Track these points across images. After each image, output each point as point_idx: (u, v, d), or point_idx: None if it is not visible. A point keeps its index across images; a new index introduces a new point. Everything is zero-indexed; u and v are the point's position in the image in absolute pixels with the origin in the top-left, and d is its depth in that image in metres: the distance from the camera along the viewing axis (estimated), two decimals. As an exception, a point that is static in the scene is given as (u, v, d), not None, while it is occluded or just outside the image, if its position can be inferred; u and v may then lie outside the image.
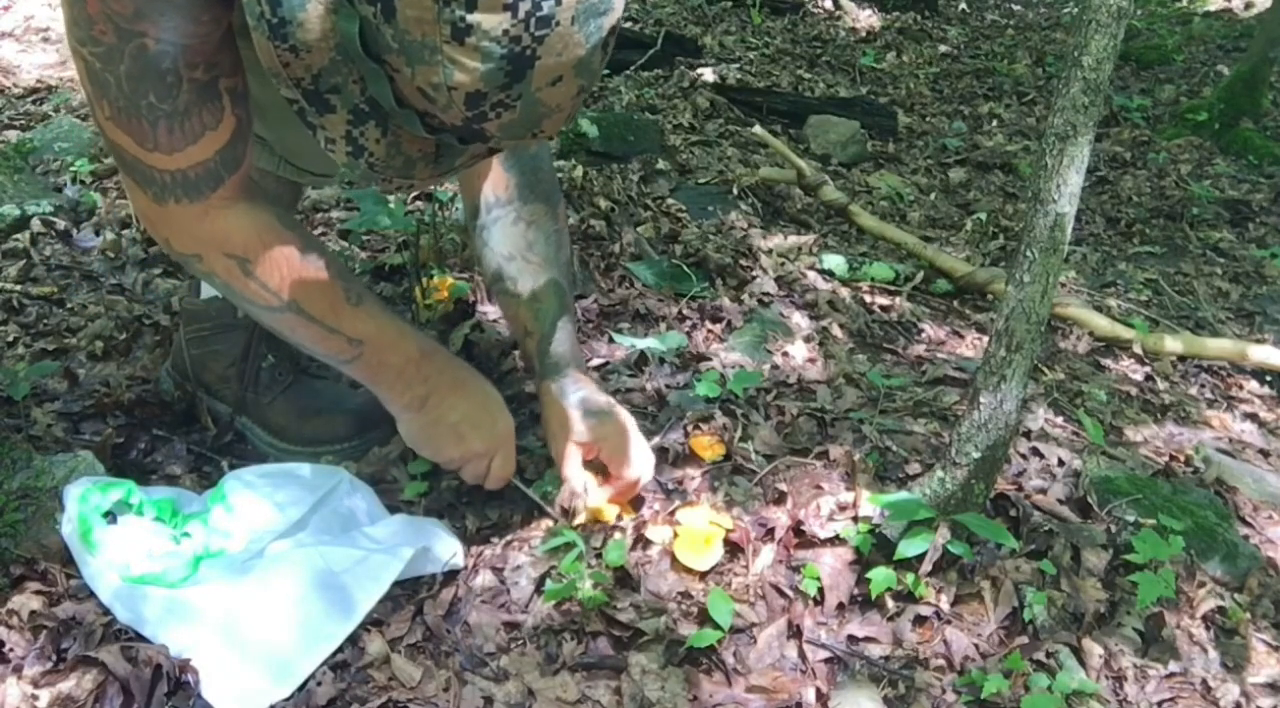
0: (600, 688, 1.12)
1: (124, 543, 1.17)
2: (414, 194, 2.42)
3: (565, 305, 1.39)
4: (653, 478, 1.37)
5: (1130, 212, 3.47)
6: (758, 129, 3.17)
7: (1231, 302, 2.87)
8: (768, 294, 2.13)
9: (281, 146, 1.36)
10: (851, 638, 1.22)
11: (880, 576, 1.24)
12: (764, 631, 1.21)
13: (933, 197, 3.41)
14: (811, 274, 2.32)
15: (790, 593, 1.26)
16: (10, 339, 1.73)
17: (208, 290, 1.50)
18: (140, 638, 1.10)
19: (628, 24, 4.68)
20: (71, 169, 2.40)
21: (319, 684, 1.08)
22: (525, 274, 1.36)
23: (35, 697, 1.02)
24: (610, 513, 1.31)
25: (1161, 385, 2.16)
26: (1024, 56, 5.33)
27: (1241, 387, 2.24)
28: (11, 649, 1.07)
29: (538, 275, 1.37)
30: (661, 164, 2.94)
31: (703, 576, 1.27)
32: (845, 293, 2.26)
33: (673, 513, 1.34)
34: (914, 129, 4.08)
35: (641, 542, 1.31)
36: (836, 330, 2.03)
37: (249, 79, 1.29)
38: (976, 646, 1.23)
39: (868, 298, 2.29)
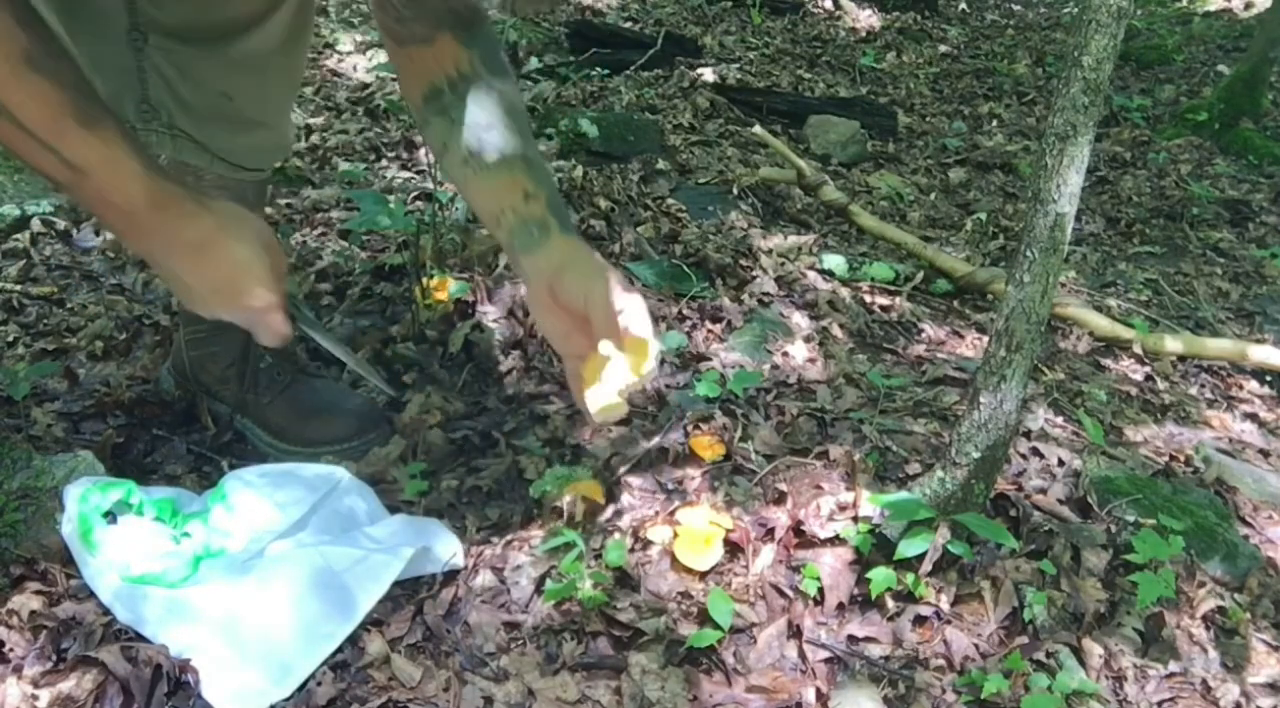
0: (600, 688, 1.12)
1: (124, 543, 1.17)
2: (414, 196, 2.42)
3: (552, 175, 1.26)
4: (652, 475, 1.35)
5: (1130, 212, 3.47)
6: (758, 129, 3.17)
7: (1231, 302, 2.87)
8: (768, 294, 2.13)
9: (214, 144, 1.35)
10: (851, 638, 1.22)
11: (880, 576, 1.24)
12: (764, 631, 1.21)
13: (933, 197, 3.41)
14: (811, 274, 2.32)
15: (790, 593, 1.26)
16: (10, 339, 1.73)
17: None
18: (140, 638, 1.10)
19: (627, 24, 4.69)
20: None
21: (319, 684, 1.08)
22: (510, 140, 1.22)
23: (35, 697, 1.02)
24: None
25: (1161, 385, 2.16)
26: (1024, 56, 5.33)
27: (1241, 387, 2.24)
28: (11, 649, 1.07)
29: (523, 139, 1.23)
30: (661, 164, 2.95)
31: (703, 576, 1.27)
32: (845, 293, 2.26)
33: (673, 513, 1.34)
34: (914, 129, 4.08)
35: (641, 542, 1.31)
36: (836, 330, 2.03)
37: (182, 83, 1.29)
38: (976, 646, 1.23)
39: (868, 298, 2.29)
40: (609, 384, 1.08)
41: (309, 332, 1.25)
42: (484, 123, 1.21)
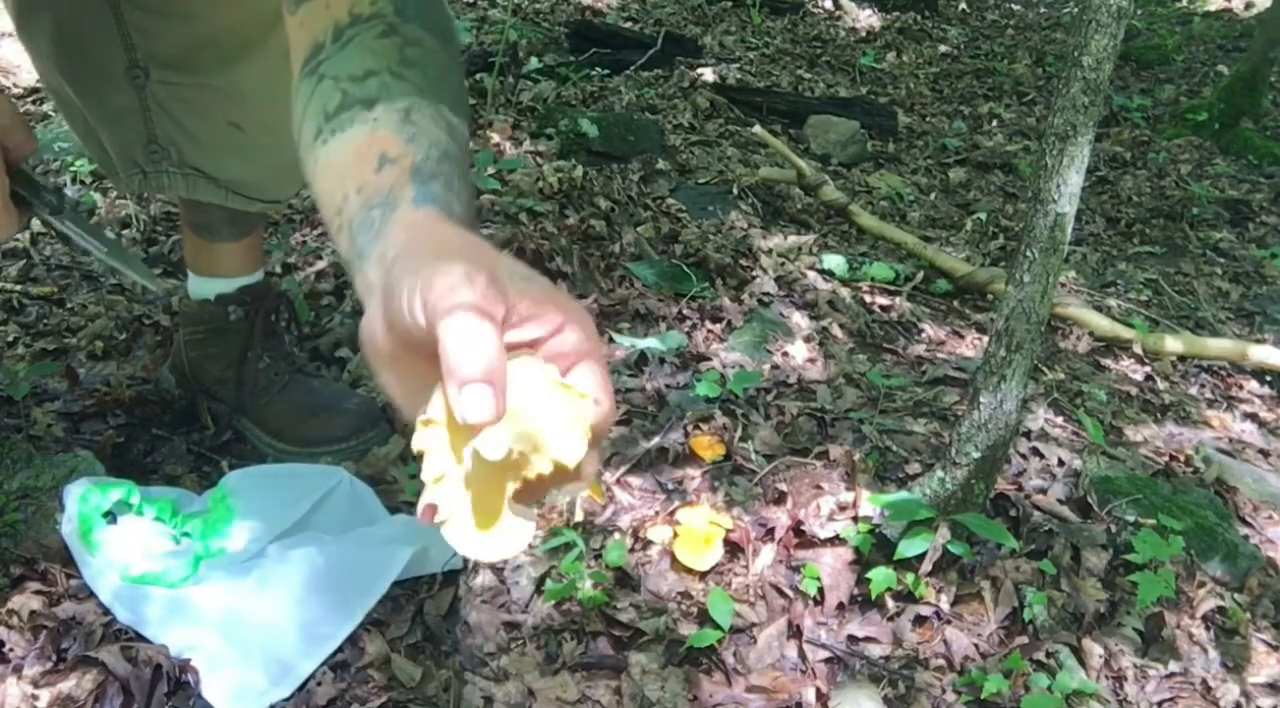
0: (600, 688, 1.12)
1: (124, 543, 1.17)
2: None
3: (456, 149, 0.75)
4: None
5: (1130, 212, 3.46)
6: (758, 129, 3.17)
7: (1231, 302, 2.87)
8: (768, 294, 2.13)
9: (226, 178, 1.34)
10: (851, 638, 1.22)
11: (880, 576, 1.24)
12: (764, 631, 1.21)
13: (933, 196, 3.41)
14: (811, 274, 2.32)
15: (790, 593, 1.26)
16: (10, 339, 1.73)
17: (198, 292, 1.50)
18: (140, 638, 1.10)
19: (627, 24, 4.68)
20: (71, 169, 2.40)
21: (319, 684, 1.08)
22: (392, 88, 0.77)
23: (35, 697, 1.02)
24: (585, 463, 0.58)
25: (1161, 385, 2.16)
26: (1024, 56, 5.33)
27: (1241, 387, 2.24)
28: (11, 649, 1.07)
29: (417, 97, 0.77)
30: (661, 164, 2.95)
31: (703, 576, 1.27)
32: (845, 293, 2.26)
33: (673, 513, 1.34)
34: (914, 129, 4.07)
35: (641, 542, 1.31)
36: (836, 330, 2.03)
37: (189, 116, 1.25)
38: (976, 646, 1.23)
39: (868, 298, 2.29)
40: (458, 492, 0.55)
41: (49, 221, 0.98)
42: (359, 71, 0.78)
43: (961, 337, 2.20)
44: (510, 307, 0.55)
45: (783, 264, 2.32)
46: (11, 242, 2.06)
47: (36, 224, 2.11)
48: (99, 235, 1.01)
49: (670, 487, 1.41)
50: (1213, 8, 6.61)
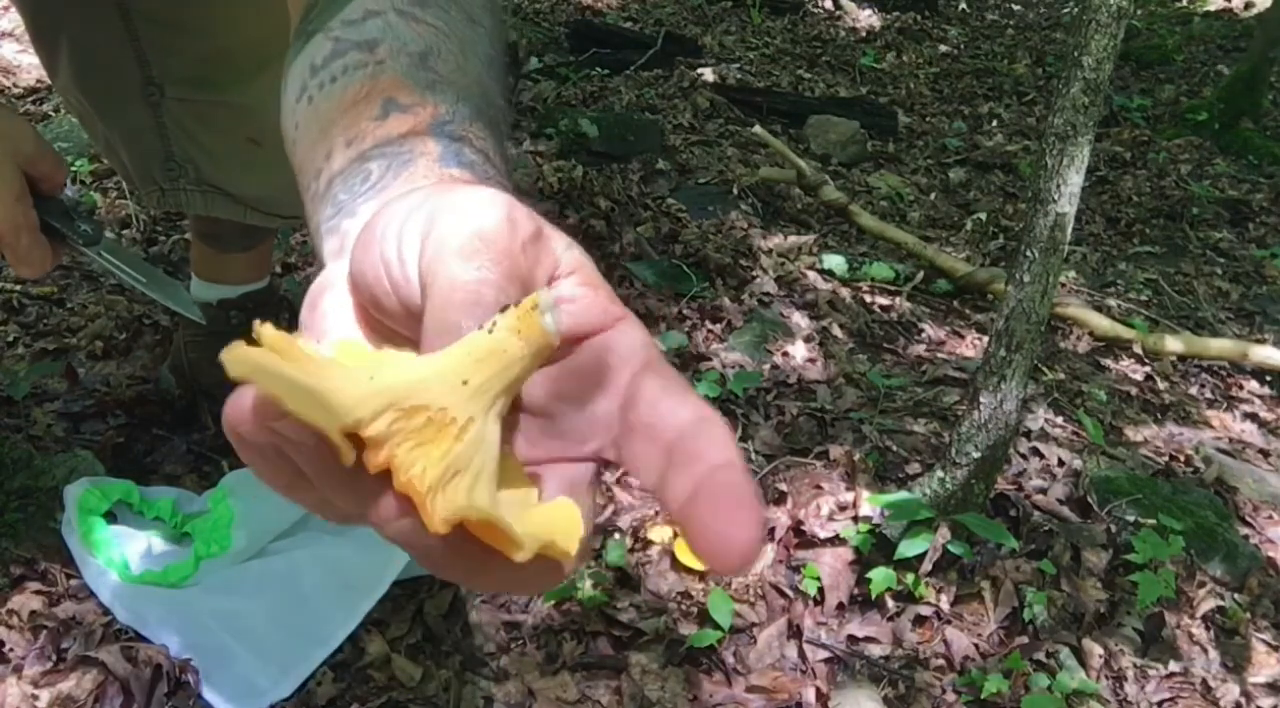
0: (600, 688, 1.12)
1: (124, 543, 1.17)
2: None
3: (494, 114, 0.57)
4: None
5: (1130, 212, 3.46)
6: (758, 129, 3.17)
7: (1231, 302, 2.87)
8: (768, 294, 2.13)
9: (244, 195, 1.32)
10: (851, 638, 1.22)
11: (880, 576, 1.24)
12: (764, 631, 1.21)
13: (933, 197, 3.41)
14: (811, 274, 2.32)
15: (790, 593, 1.26)
16: (10, 339, 1.73)
17: (200, 295, 1.50)
18: (140, 638, 1.10)
19: (627, 24, 4.69)
20: (72, 169, 2.40)
21: (319, 684, 1.08)
22: (402, 33, 0.58)
23: (35, 697, 1.02)
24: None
25: (1161, 385, 2.16)
26: (1024, 56, 5.33)
27: (1241, 387, 2.24)
28: (11, 649, 1.07)
29: (435, 42, 0.59)
30: (661, 164, 2.95)
31: (703, 576, 1.27)
32: (845, 293, 2.26)
33: (673, 513, 1.34)
34: (914, 129, 4.07)
35: (641, 542, 1.31)
36: (836, 330, 2.03)
37: (205, 133, 1.24)
38: (976, 646, 1.23)
39: (868, 298, 2.29)
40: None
41: (84, 253, 0.95)
42: (356, 15, 0.60)
43: (961, 337, 2.20)
44: (555, 276, 0.38)
45: (783, 264, 2.32)
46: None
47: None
48: (138, 266, 0.98)
49: (670, 487, 1.41)
50: (1213, 8, 6.61)
